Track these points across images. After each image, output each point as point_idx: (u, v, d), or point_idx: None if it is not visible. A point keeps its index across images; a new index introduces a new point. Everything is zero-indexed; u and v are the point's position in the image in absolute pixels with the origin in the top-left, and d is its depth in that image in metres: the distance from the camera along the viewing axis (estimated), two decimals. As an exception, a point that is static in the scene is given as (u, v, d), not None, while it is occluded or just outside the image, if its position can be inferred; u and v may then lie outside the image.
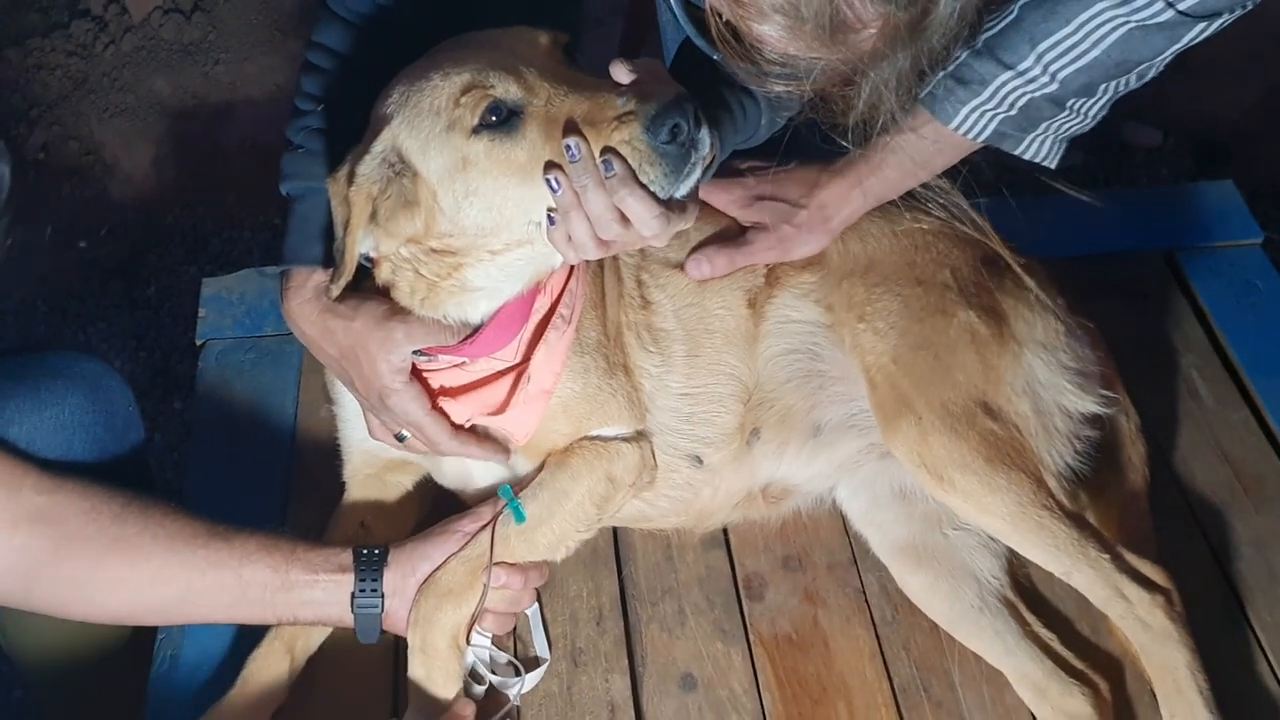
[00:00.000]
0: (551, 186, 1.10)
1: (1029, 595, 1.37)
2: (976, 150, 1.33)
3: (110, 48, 2.83)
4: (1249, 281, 1.69)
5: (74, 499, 1.19)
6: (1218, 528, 1.44)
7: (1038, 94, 1.23)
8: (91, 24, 2.85)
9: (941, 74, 1.23)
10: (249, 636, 1.30)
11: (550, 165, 1.10)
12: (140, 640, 1.41)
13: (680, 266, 1.39)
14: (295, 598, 1.23)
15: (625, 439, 1.33)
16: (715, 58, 1.00)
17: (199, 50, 2.84)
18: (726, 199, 1.43)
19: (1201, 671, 1.23)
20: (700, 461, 1.39)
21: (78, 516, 1.18)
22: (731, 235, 1.41)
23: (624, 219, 1.10)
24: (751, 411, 1.39)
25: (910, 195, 1.42)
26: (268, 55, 2.80)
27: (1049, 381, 1.33)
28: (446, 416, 1.26)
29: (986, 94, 1.24)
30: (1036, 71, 1.21)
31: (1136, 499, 1.39)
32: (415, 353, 1.23)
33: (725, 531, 1.45)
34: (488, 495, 1.34)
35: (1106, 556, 1.26)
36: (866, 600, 1.39)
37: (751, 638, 1.36)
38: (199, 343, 1.67)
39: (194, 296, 1.73)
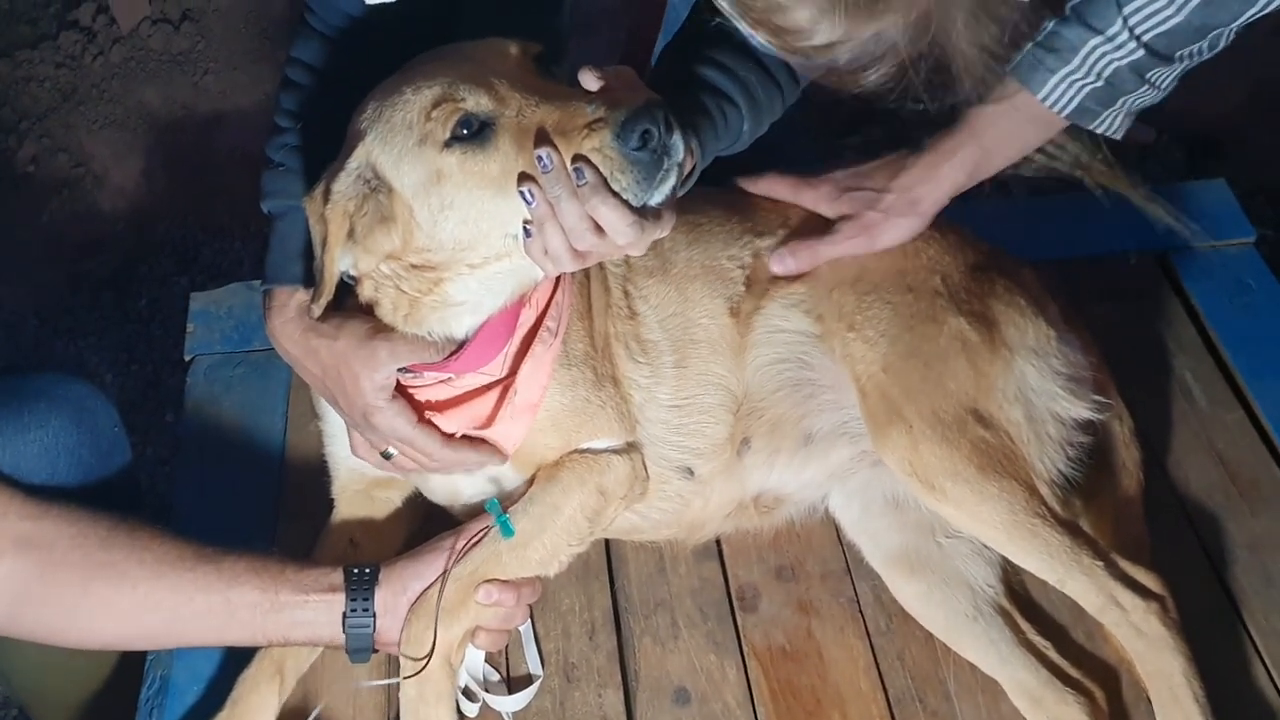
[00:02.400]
0: (526, 199, 1.09)
1: (1023, 603, 1.36)
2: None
3: (99, 59, 2.82)
4: (1242, 281, 1.68)
5: (60, 524, 1.19)
6: (1213, 531, 1.43)
7: (1124, 62, 1.23)
8: (80, 35, 2.85)
9: (1030, 44, 1.24)
10: (239, 657, 1.29)
11: (524, 177, 1.09)
12: (129, 661, 1.41)
13: (658, 273, 1.37)
14: (285, 619, 1.22)
15: (616, 451, 1.32)
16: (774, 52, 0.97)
17: (188, 60, 2.84)
18: (814, 195, 1.41)
19: (1197, 678, 1.22)
20: (691, 472, 1.38)
21: (64, 542, 1.18)
22: (815, 229, 1.39)
23: (599, 228, 1.08)
24: (741, 421, 1.38)
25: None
26: (256, 64, 2.80)
27: (1041, 388, 1.32)
28: (435, 427, 1.26)
29: (1076, 61, 1.23)
30: (1124, 37, 1.21)
31: (1131, 504, 1.38)
32: (401, 370, 1.22)
33: (718, 542, 1.45)
34: (477, 510, 1.33)
35: (1100, 563, 1.25)
36: (860, 610, 1.38)
37: (745, 650, 1.35)
38: (187, 358, 1.67)
39: (184, 309, 1.72)
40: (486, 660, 1.31)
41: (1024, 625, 1.34)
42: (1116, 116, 1.30)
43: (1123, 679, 1.31)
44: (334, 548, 1.38)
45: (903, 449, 1.29)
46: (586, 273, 1.36)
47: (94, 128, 2.75)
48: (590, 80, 1.09)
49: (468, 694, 1.29)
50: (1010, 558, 1.30)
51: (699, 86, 1.24)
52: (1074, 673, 1.30)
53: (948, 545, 1.36)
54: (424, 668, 1.21)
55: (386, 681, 1.24)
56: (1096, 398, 1.36)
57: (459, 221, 1.13)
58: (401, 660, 1.23)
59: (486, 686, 1.30)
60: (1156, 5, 1.19)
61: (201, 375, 1.64)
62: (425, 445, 1.24)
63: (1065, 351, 1.36)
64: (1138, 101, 1.29)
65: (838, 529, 1.43)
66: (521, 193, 1.09)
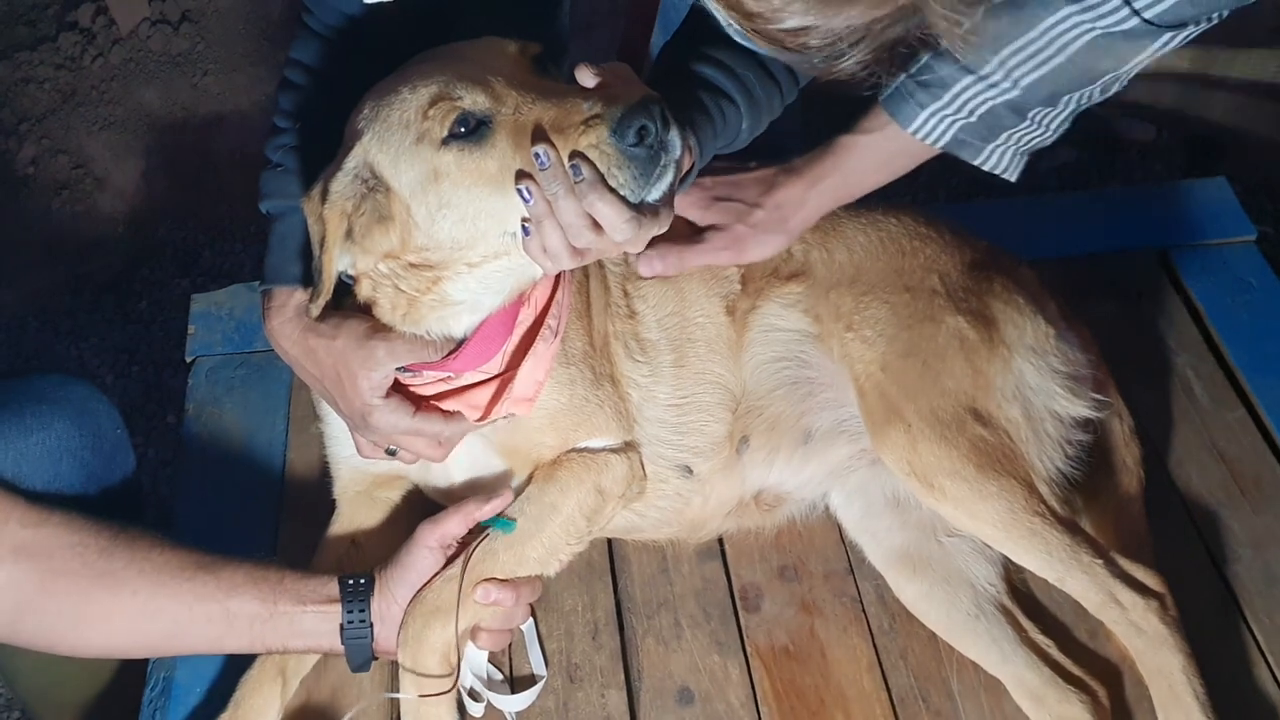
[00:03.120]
0: (524, 196, 1.09)
1: (1026, 601, 1.37)
2: (938, 156, 1.30)
3: (98, 60, 2.82)
4: (1243, 279, 1.68)
5: (60, 533, 1.19)
6: (1214, 529, 1.43)
7: (999, 100, 1.21)
8: (79, 37, 2.85)
9: (903, 76, 1.23)
10: (241, 659, 1.30)
11: (522, 175, 1.09)
12: (132, 663, 1.41)
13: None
14: (284, 629, 1.22)
15: (614, 450, 1.32)
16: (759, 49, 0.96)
17: (187, 62, 2.84)
18: (683, 201, 1.40)
19: (1197, 676, 1.22)
20: (690, 471, 1.38)
21: (64, 551, 1.18)
22: (684, 235, 1.37)
23: (597, 225, 1.08)
24: (740, 419, 1.39)
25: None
26: (256, 66, 2.79)
27: (1039, 386, 1.32)
28: (436, 409, 1.25)
29: (946, 98, 1.22)
30: (999, 77, 1.19)
31: (1132, 502, 1.38)
32: (400, 369, 1.22)
33: (721, 542, 1.45)
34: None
35: (1100, 562, 1.25)
36: (863, 609, 1.38)
37: (748, 649, 1.35)
38: (189, 359, 1.67)
39: (185, 310, 1.72)
40: (490, 660, 1.31)
41: (1026, 624, 1.34)
42: (1004, 153, 1.27)
43: (1126, 677, 1.31)
44: (336, 549, 1.38)
45: (901, 448, 1.29)
46: (585, 272, 1.36)
47: (94, 129, 2.74)
48: (587, 77, 1.09)
49: (472, 694, 1.29)
50: (1009, 556, 1.30)
51: (697, 84, 1.24)
52: (1076, 671, 1.30)
53: (949, 544, 1.36)
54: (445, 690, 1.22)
55: (404, 695, 1.23)
56: (1095, 396, 1.36)
57: (457, 220, 1.13)
58: (400, 669, 1.23)
59: (490, 686, 1.30)
60: (1035, 47, 1.16)
61: (203, 376, 1.64)
62: (430, 428, 1.23)
63: (1064, 350, 1.36)
64: (1027, 140, 1.26)
65: (840, 528, 1.44)
66: (519, 190, 1.08)
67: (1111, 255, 1.71)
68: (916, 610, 1.35)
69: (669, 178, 1.09)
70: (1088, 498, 1.37)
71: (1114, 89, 1.22)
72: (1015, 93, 1.20)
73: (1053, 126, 1.25)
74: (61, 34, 2.85)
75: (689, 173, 1.22)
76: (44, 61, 2.82)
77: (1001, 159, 1.27)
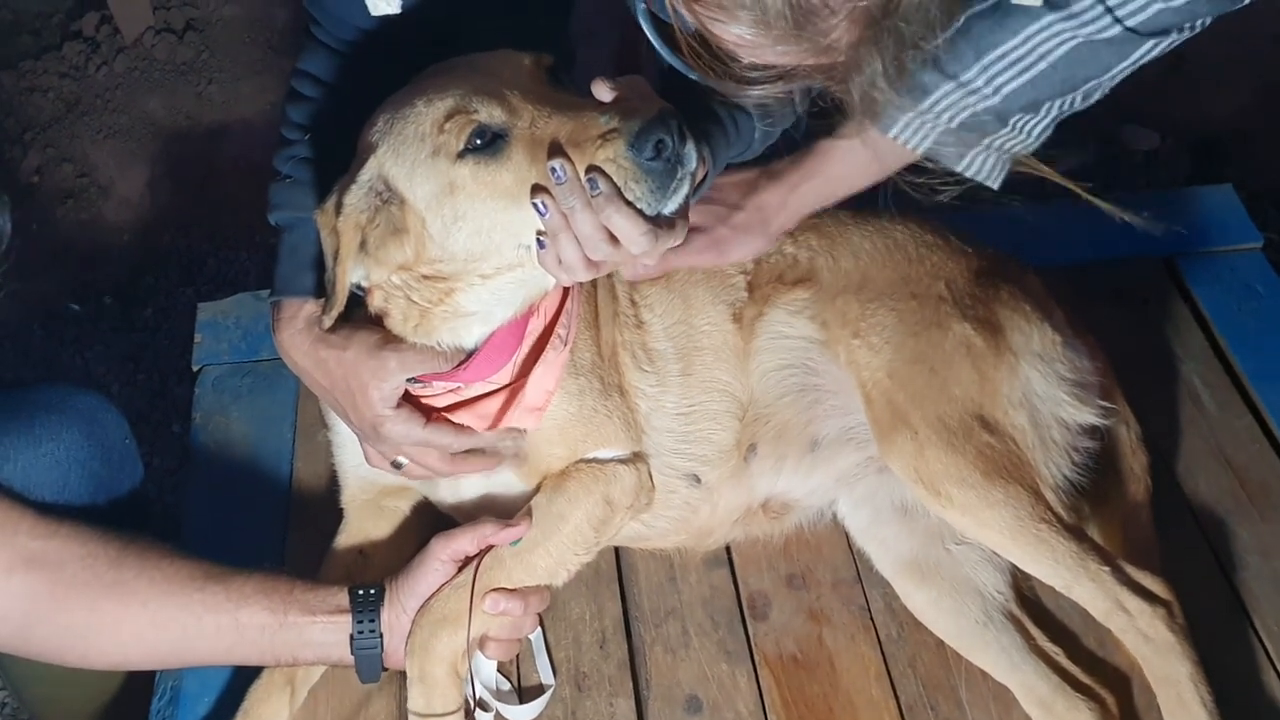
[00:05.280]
0: (539, 210, 1.09)
1: (1034, 609, 1.37)
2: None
3: (103, 69, 2.83)
4: (1249, 286, 1.68)
5: (70, 544, 1.19)
6: (1222, 536, 1.43)
7: (980, 107, 1.21)
8: (84, 45, 2.86)
9: None
10: (249, 670, 1.30)
11: (537, 188, 1.09)
12: (140, 673, 1.41)
13: (661, 281, 1.38)
14: (294, 640, 1.22)
15: (622, 461, 1.32)
16: (693, 76, 0.99)
17: (192, 70, 2.85)
18: None
19: (1205, 683, 1.22)
20: (698, 480, 1.38)
21: (74, 562, 1.18)
22: None
23: (613, 238, 1.09)
24: (748, 428, 1.39)
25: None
26: (260, 75, 2.80)
27: (1046, 393, 1.32)
28: (447, 421, 1.25)
29: (926, 104, 1.21)
30: (980, 83, 1.19)
31: (1139, 509, 1.38)
32: (410, 380, 1.23)
33: (728, 550, 1.45)
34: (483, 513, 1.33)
35: (1107, 569, 1.25)
36: (872, 618, 1.38)
37: (757, 658, 1.35)
38: (195, 368, 1.67)
39: (190, 319, 1.73)
40: (498, 670, 1.32)
41: (1035, 632, 1.34)
42: (985, 159, 1.26)
43: (1133, 685, 1.31)
44: (344, 558, 1.38)
45: (908, 455, 1.29)
46: (593, 282, 1.36)
47: (98, 138, 2.75)
48: (604, 91, 1.09)
49: (481, 704, 1.28)
50: (1016, 563, 1.30)
51: (709, 93, 1.25)
52: (1085, 679, 1.30)
53: (957, 552, 1.36)
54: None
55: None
56: (1102, 403, 1.36)
57: (472, 232, 1.14)
58: (408, 679, 1.24)
59: (498, 696, 1.30)
60: (1017, 54, 1.16)
61: (209, 385, 1.64)
62: (440, 440, 1.24)
63: (1071, 357, 1.37)
64: (1008, 145, 1.25)
65: (847, 536, 1.44)
66: (535, 204, 1.09)
67: (1118, 262, 1.71)
68: (925, 618, 1.35)
69: (685, 190, 1.10)
70: (1095, 505, 1.37)
71: (1096, 96, 1.22)
72: (996, 100, 1.19)
73: (1034, 133, 1.25)
74: (66, 43, 2.86)
75: (702, 182, 1.23)
76: (48, 70, 2.83)
77: (983, 165, 1.26)
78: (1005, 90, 1.18)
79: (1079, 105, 1.23)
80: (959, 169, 1.26)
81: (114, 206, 2.69)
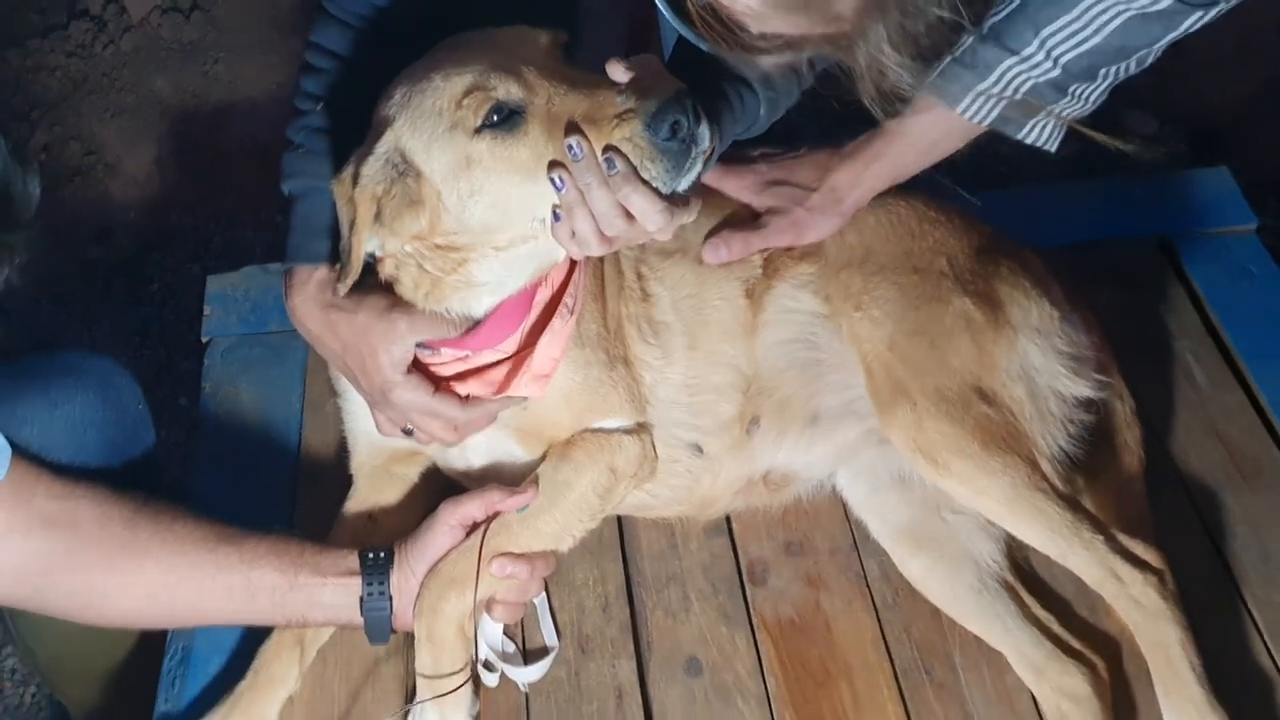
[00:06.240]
0: (556, 185, 1.12)
1: (1028, 578, 1.39)
2: (984, 134, 1.35)
3: (109, 48, 2.84)
4: (1244, 267, 1.70)
5: (86, 504, 1.21)
6: (1213, 509, 1.46)
7: (1041, 79, 1.27)
8: (90, 24, 2.87)
9: (949, 58, 1.26)
10: (259, 629, 1.32)
11: (554, 163, 1.12)
12: (151, 633, 1.43)
13: (676, 255, 1.40)
14: (304, 601, 1.25)
15: (626, 431, 1.35)
16: (704, 47, 1.01)
17: (198, 49, 2.86)
18: (739, 185, 1.45)
19: (1194, 648, 1.25)
20: (701, 451, 1.41)
21: (90, 522, 1.20)
22: (745, 220, 1.43)
23: (628, 215, 1.12)
24: (751, 400, 1.41)
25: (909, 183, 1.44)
26: (267, 54, 2.81)
27: (1043, 366, 1.35)
28: (453, 393, 1.28)
29: (991, 79, 1.27)
30: (1040, 57, 1.24)
31: (1133, 481, 1.41)
32: (419, 346, 1.25)
33: (728, 519, 1.47)
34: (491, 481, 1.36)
35: (1100, 538, 1.28)
36: (868, 584, 1.41)
37: (755, 622, 1.38)
38: (204, 340, 1.69)
39: (197, 294, 1.75)
40: (504, 632, 1.34)
41: (1028, 599, 1.36)
42: (1044, 126, 1.33)
43: (1124, 651, 1.33)
44: (352, 523, 1.41)
45: (908, 425, 1.31)
46: (600, 256, 1.38)
47: (105, 116, 2.77)
48: (619, 72, 1.12)
49: (487, 665, 1.31)
50: (1012, 532, 1.32)
51: (717, 72, 1.27)
52: (1077, 645, 1.33)
53: (953, 521, 1.38)
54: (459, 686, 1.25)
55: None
56: (1098, 376, 1.39)
57: (487, 206, 1.16)
58: (416, 639, 1.26)
59: (503, 658, 1.33)
60: (1074, 27, 1.22)
61: (219, 357, 1.67)
62: (446, 411, 1.26)
63: (1068, 331, 1.39)
64: (1066, 112, 1.32)
65: (845, 506, 1.46)
66: (552, 179, 1.11)
67: (1115, 242, 1.73)
68: (920, 585, 1.38)
69: (698, 169, 1.13)
70: (1090, 477, 1.39)
71: (1149, 61, 1.29)
72: (1056, 71, 1.25)
73: (1091, 99, 1.31)
74: (73, 22, 2.87)
75: (709, 157, 1.25)
76: (55, 49, 2.84)
77: (1043, 133, 1.34)
78: (1064, 61, 1.24)
79: (1133, 70, 1.30)
80: (1019, 137, 1.33)
81: (120, 184, 2.70)
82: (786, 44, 0.95)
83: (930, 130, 1.36)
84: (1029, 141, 1.34)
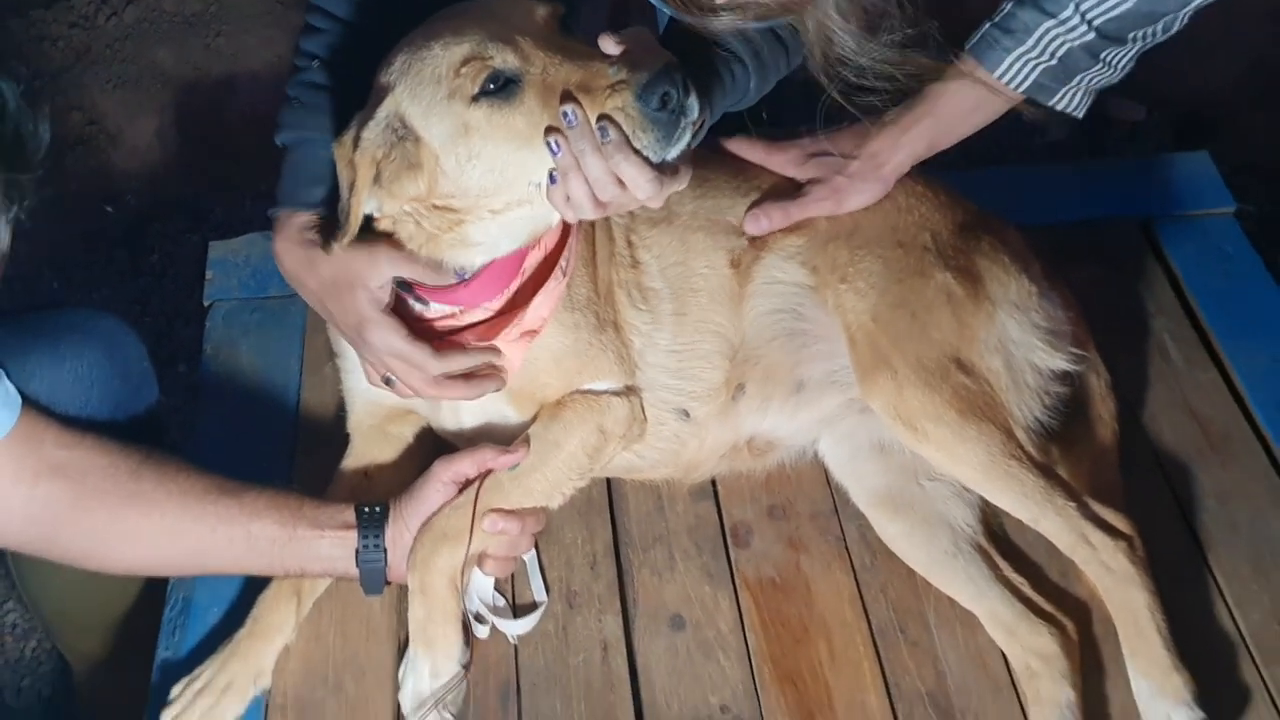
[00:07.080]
0: (552, 149, 1.15)
1: (1001, 542, 1.43)
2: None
3: (112, 19, 2.86)
4: (1221, 249, 1.74)
5: (93, 454, 1.25)
6: (1184, 481, 1.50)
7: (1076, 43, 1.32)
8: (94, -5, 2.89)
9: (988, 24, 1.34)
10: (258, 580, 1.37)
11: (550, 129, 1.16)
12: (152, 584, 1.48)
13: (663, 224, 1.44)
14: (302, 552, 1.29)
15: (615, 393, 1.39)
16: (667, 11, 1.05)
17: (200, 22, 2.87)
18: (783, 159, 1.49)
19: (1160, 611, 1.29)
20: (687, 415, 1.45)
21: (96, 472, 1.24)
22: (786, 192, 1.47)
23: (621, 182, 1.16)
24: (737, 368, 1.45)
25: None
26: (269, 28, 2.83)
27: (1021, 339, 1.39)
28: (426, 343, 1.29)
29: (1030, 42, 1.32)
30: (1075, 20, 1.30)
31: (1106, 452, 1.45)
32: (414, 300, 1.28)
33: (713, 483, 1.52)
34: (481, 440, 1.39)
35: (1073, 504, 1.32)
36: (847, 547, 1.45)
37: (737, 581, 1.42)
38: (206, 304, 1.73)
39: (196, 263, 1.78)
40: (495, 587, 1.39)
41: (1001, 563, 1.40)
42: (1075, 94, 1.38)
43: (1093, 614, 1.38)
44: (349, 480, 1.45)
45: (888, 394, 1.35)
46: (591, 222, 1.42)
47: (107, 87, 2.78)
48: (610, 45, 1.16)
49: (478, 618, 1.36)
50: (988, 497, 1.37)
51: (708, 46, 1.31)
52: (1047, 607, 1.37)
53: (930, 487, 1.43)
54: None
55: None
56: (1074, 350, 1.42)
57: (485, 171, 1.20)
58: (410, 591, 1.30)
59: (494, 611, 1.37)
60: None
61: (220, 320, 1.70)
62: (416, 356, 1.27)
63: (1045, 307, 1.43)
64: (1096, 80, 1.37)
65: (826, 472, 1.50)
66: (548, 143, 1.15)
67: (1096, 223, 1.77)
68: (897, 548, 1.42)
69: (688, 139, 1.17)
70: (1065, 447, 1.43)
71: (1175, 28, 1.33)
72: (1090, 35, 1.31)
73: (1120, 65, 1.36)
74: (76, -8, 2.89)
75: (699, 128, 1.29)
76: (58, 20, 2.85)
77: (1073, 99, 1.39)
78: (1096, 24, 1.30)
79: (1159, 37, 1.34)
80: (1051, 103, 1.38)
81: (122, 155, 2.72)
82: (742, 6, 0.99)
83: (966, 98, 1.39)
84: (1060, 108, 1.39)
